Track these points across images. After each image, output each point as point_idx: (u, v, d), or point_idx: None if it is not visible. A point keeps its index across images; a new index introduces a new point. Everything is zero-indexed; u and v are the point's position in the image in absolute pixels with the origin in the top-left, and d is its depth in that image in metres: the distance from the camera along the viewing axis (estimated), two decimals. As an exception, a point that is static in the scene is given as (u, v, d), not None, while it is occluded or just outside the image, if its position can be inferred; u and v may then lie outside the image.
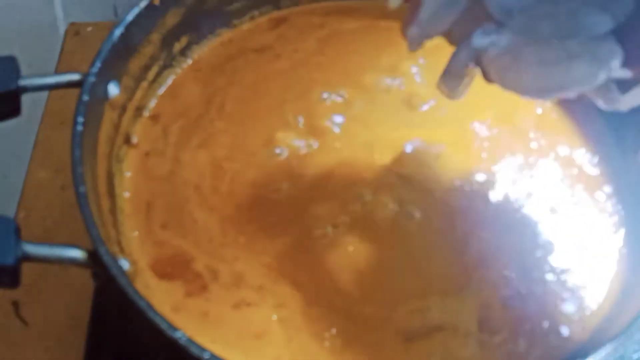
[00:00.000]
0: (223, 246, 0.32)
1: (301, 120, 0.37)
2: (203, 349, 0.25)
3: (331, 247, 0.32)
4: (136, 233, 0.33)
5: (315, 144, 0.36)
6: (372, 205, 0.34)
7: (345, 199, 0.34)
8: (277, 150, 0.36)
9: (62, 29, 0.59)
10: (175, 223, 0.33)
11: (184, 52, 0.40)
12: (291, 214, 0.33)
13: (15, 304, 0.40)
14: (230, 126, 0.36)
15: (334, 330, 0.30)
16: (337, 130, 0.36)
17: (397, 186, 0.34)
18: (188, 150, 0.36)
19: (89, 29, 0.55)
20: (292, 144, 0.36)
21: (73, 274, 0.41)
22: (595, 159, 0.37)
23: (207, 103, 0.38)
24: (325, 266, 0.32)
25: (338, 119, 0.37)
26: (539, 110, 0.38)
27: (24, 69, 0.31)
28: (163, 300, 0.30)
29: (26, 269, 0.27)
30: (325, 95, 0.38)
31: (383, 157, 0.35)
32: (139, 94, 0.37)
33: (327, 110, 0.37)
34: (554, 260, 0.33)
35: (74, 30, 0.55)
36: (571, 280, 0.32)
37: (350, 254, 0.32)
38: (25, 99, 0.32)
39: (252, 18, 0.42)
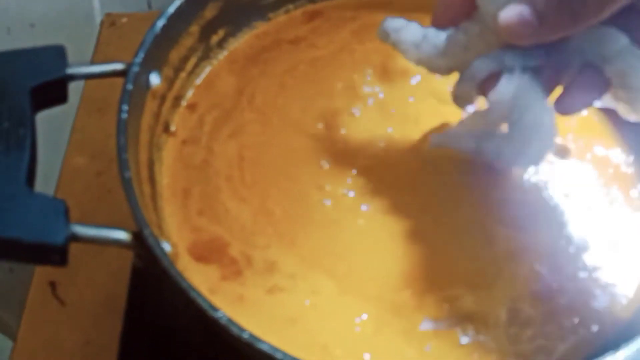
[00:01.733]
0: (254, 234, 0.33)
1: (331, 110, 0.37)
2: (242, 329, 0.26)
3: (363, 235, 0.33)
4: (174, 218, 0.34)
5: (344, 133, 0.36)
6: (403, 194, 0.34)
7: (379, 188, 0.34)
8: (306, 141, 0.36)
9: (98, 19, 0.60)
10: (210, 211, 0.34)
11: (220, 44, 0.41)
12: (320, 205, 0.34)
13: (53, 284, 0.41)
14: (260, 116, 0.37)
15: (365, 317, 0.31)
16: (366, 119, 0.37)
17: (429, 176, 0.35)
18: (219, 140, 0.36)
19: (124, 19, 0.56)
20: (323, 133, 0.36)
21: (110, 255, 0.42)
22: (631, 158, 0.37)
23: (239, 94, 0.38)
24: (358, 254, 0.32)
25: (368, 107, 0.37)
26: (584, 113, 0.39)
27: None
28: (200, 282, 0.31)
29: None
30: (357, 84, 0.38)
31: (417, 149, 0.36)
32: (177, 84, 0.38)
33: (358, 99, 0.38)
34: (587, 257, 0.33)
35: (110, 20, 0.56)
36: (603, 277, 0.32)
37: (381, 243, 0.33)
38: (65, 87, 0.33)
39: (287, 11, 0.43)
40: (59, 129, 0.50)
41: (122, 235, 0.28)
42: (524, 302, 0.31)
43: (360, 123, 0.37)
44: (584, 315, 0.31)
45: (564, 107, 0.30)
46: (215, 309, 0.26)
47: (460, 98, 0.32)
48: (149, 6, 0.64)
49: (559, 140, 0.37)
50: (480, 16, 0.29)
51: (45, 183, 0.46)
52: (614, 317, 0.31)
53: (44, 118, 0.34)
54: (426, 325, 0.30)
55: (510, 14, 0.27)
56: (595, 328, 0.31)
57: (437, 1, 0.30)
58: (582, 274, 0.33)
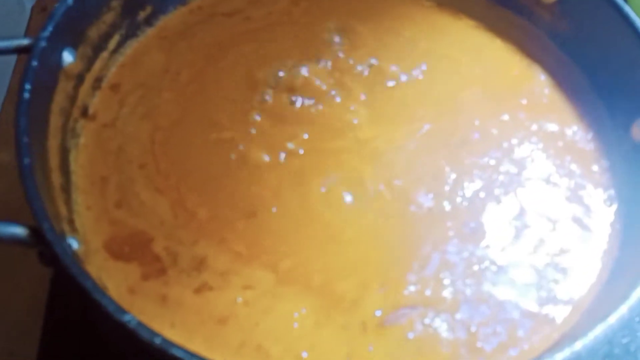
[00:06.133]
0: (177, 229, 0.29)
1: (268, 80, 0.34)
2: (154, 334, 0.22)
3: (304, 222, 0.30)
4: (91, 211, 0.30)
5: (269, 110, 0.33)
6: (349, 182, 0.31)
7: (319, 167, 0.31)
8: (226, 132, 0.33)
9: (28, 5, 0.56)
10: (127, 203, 0.30)
11: (148, 21, 0.37)
12: (248, 192, 0.31)
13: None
14: (178, 94, 0.34)
15: (304, 310, 0.28)
16: (299, 104, 0.34)
17: (357, 151, 0.32)
18: (132, 123, 0.33)
19: (56, 5, 0.52)
20: (252, 105, 0.33)
21: (32, 259, 0.39)
22: (590, 135, 0.35)
23: (165, 71, 0.35)
24: (302, 244, 0.29)
25: (302, 85, 0.34)
26: (535, 89, 0.36)
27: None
28: (118, 282, 0.28)
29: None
30: (289, 60, 0.35)
31: (357, 126, 0.33)
32: (98, 65, 0.35)
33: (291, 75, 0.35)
34: (548, 238, 0.31)
35: (41, 6, 0.52)
36: (564, 260, 0.30)
37: (325, 231, 0.30)
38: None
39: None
40: (-17, 123, 0.46)
41: (17, 230, 0.24)
42: (479, 289, 0.28)
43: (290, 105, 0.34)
44: (545, 303, 0.29)
45: None
46: (124, 312, 0.23)
47: None
48: (86, -10, 0.60)
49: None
50: None
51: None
52: (574, 304, 0.29)
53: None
54: (370, 317, 0.27)
55: None
56: (556, 316, 0.28)
57: None
58: (543, 259, 0.30)
